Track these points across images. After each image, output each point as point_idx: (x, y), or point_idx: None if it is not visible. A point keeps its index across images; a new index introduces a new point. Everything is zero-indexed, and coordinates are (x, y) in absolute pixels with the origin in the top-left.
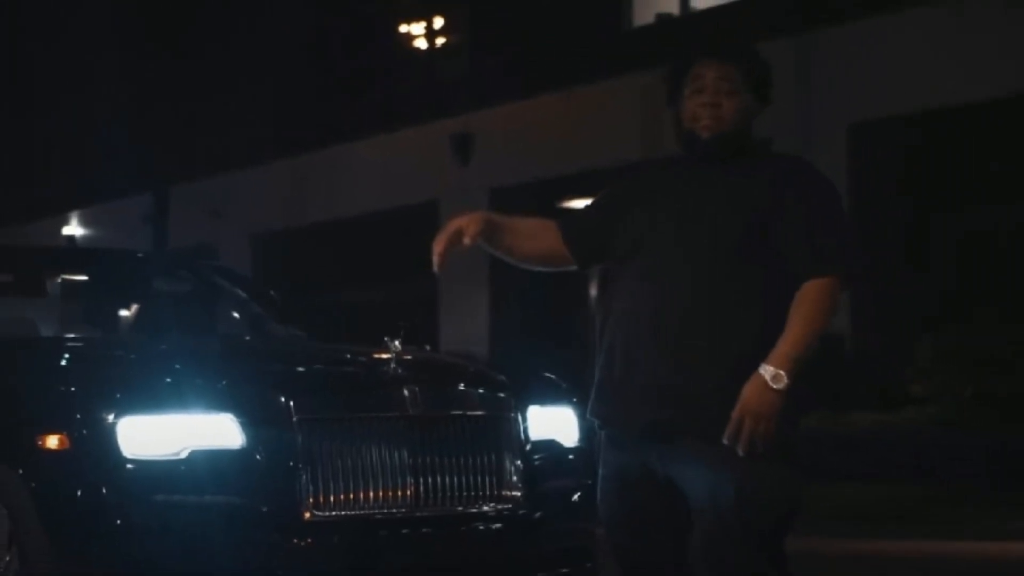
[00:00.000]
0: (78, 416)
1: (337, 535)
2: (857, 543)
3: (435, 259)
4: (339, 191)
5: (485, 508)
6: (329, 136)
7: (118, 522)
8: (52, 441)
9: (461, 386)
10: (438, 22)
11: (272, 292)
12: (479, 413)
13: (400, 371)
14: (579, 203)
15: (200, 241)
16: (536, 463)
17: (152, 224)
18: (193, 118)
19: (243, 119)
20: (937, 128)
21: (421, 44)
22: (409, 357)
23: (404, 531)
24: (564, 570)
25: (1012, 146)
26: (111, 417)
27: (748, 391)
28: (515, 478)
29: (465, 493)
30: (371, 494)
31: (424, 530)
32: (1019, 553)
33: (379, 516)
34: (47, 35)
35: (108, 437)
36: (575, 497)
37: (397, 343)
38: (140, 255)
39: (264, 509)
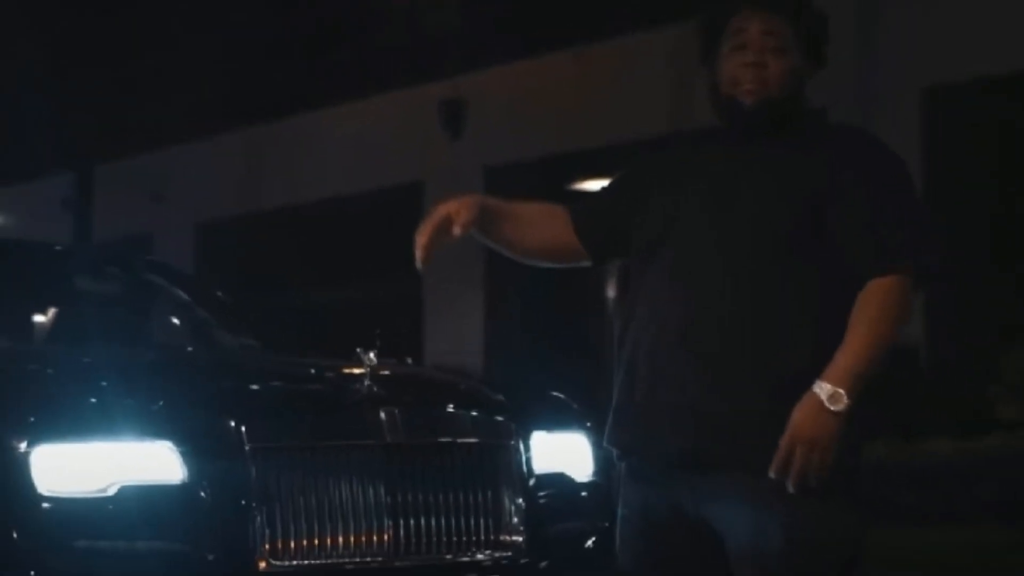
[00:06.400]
0: None
1: None
2: None
3: (418, 253)
4: (302, 170)
5: (480, 556)
6: (290, 103)
7: (32, 573)
8: None
9: (450, 408)
10: None
11: (220, 293)
12: (472, 441)
13: (376, 390)
14: (593, 185)
15: (133, 231)
16: (542, 501)
17: (73, 210)
18: (124, 83)
19: (185, 83)
20: None
21: None
22: (387, 372)
23: None
24: None
25: None
26: (23, 445)
27: (800, 414)
28: (516, 520)
29: (455, 538)
30: (340, 539)
31: None
32: None
33: (350, 566)
34: None
35: (19, 470)
36: (589, 543)
37: (372, 355)
38: (58, 248)
39: (210, 558)
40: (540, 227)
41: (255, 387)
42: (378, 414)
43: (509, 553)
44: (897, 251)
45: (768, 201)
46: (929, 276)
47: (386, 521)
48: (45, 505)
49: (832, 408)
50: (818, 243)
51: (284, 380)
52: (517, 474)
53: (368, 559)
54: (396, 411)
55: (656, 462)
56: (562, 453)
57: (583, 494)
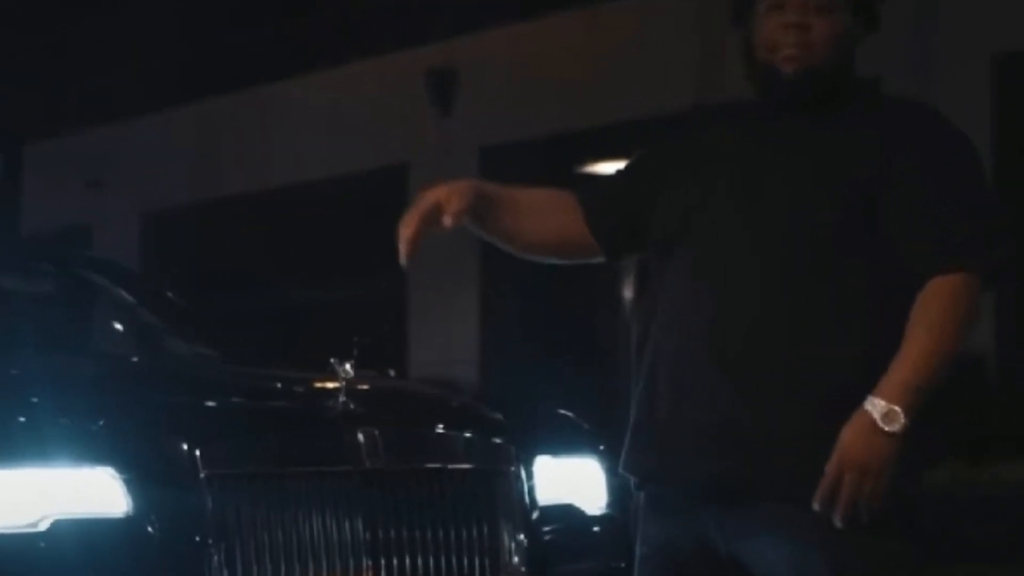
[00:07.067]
0: None
1: None
2: None
3: (402, 246)
4: (268, 150)
5: None
6: (255, 73)
7: None
8: None
9: (440, 428)
10: None
11: (171, 294)
12: (465, 467)
13: (353, 407)
14: (605, 168)
15: (68, 221)
16: (547, 537)
17: None
18: (61, 51)
19: (130, 50)
20: None
21: None
22: (366, 387)
23: None
24: None
25: None
26: None
27: (849, 435)
28: (516, 559)
29: None
30: None
31: None
32: None
33: None
34: None
35: None
36: None
37: (348, 367)
38: None
39: None
40: (544, 217)
41: (212, 404)
42: (355, 435)
43: None
44: (962, 245)
45: (807, 188)
46: (999, 274)
47: (364, 560)
48: None
49: (887, 429)
50: (867, 236)
51: (245, 396)
52: (518, 505)
53: None
54: (376, 432)
55: (680, 491)
56: (570, 481)
57: (595, 529)
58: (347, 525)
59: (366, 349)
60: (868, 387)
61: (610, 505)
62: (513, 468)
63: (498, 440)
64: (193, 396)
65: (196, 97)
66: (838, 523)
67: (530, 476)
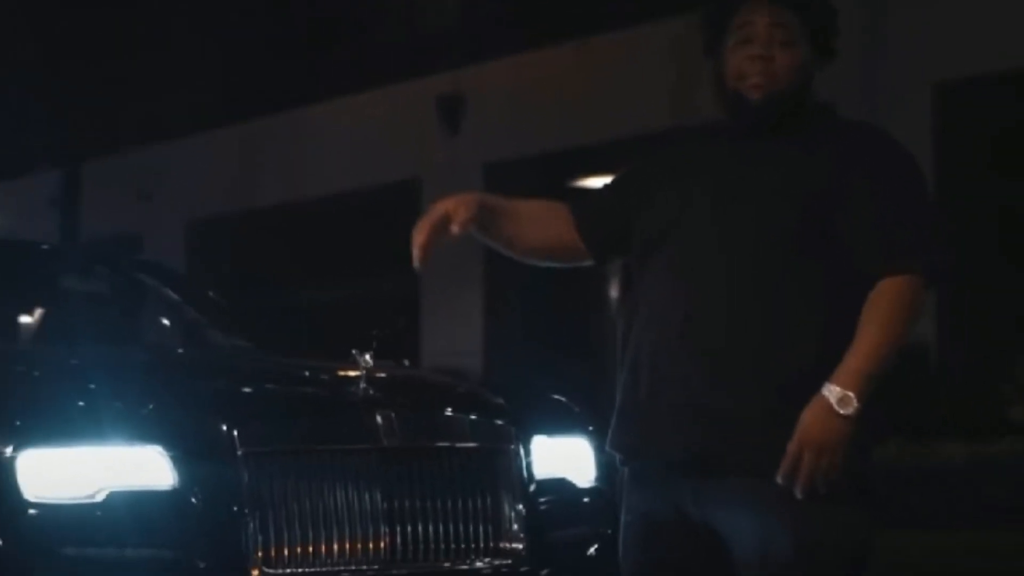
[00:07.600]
0: None
1: None
2: None
3: (415, 252)
4: (298, 167)
5: (479, 564)
6: (286, 99)
7: None
8: None
9: (448, 411)
10: None
11: (212, 293)
12: (471, 445)
13: (372, 392)
14: (595, 182)
15: (122, 229)
16: (542, 507)
17: (61, 208)
18: (117, 79)
19: (179, 79)
20: None
21: None
22: (383, 375)
23: None
24: None
25: None
26: (8, 450)
27: (808, 417)
28: (516, 526)
29: (453, 545)
30: (335, 546)
31: None
32: None
33: (345, 574)
34: None
35: (5, 475)
36: (591, 550)
37: (368, 357)
38: (45, 247)
39: (202, 565)
40: (541, 225)
41: (248, 389)
42: (374, 417)
43: (509, 561)
44: (907, 250)
45: (773, 199)
46: (940, 276)
47: (382, 528)
48: (31, 512)
49: (841, 412)
50: (824, 242)
51: (278, 382)
52: (517, 479)
53: (364, 567)
54: (392, 414)
55: (659, 465)
56: (563, 458)
57: (585, 500)
58: (367, 497)
59: (383, 342)
60: (825, 374)
61: (598, 479)
62: (513, 446)
63: (500, 422)
64: (232, 383)
65: (235, 120)
66: (799, 494)
67: (528, 453)
